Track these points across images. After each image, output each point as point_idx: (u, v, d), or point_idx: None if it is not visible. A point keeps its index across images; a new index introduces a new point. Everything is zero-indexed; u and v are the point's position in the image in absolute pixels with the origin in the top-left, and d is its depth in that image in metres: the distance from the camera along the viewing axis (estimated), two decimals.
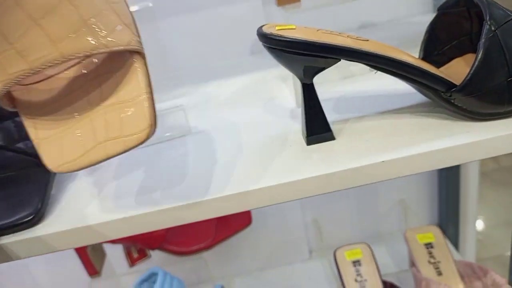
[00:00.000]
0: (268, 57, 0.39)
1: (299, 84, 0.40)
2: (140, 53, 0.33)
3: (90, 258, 0.67)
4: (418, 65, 0.36)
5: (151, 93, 0.32)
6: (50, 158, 0.32)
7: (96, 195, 0.40)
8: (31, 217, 0.35)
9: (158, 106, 0.34)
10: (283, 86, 0.55)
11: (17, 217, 0.34)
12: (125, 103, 0.32)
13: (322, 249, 0.89)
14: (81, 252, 0.66)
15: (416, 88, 0.40)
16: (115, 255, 0.73)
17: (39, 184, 0.37)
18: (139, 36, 0.34)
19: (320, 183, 0.35)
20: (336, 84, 0.52)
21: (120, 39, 0.32)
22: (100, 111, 0.33)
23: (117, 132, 0.31)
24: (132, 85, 0.32)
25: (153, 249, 0.67)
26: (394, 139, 0.37)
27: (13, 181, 0.38)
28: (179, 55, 0.64)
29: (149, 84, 0.32)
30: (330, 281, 0.82)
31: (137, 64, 0.33)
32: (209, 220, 0.73)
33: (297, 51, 0.35)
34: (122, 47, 0.32)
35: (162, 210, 0.36)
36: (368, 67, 0.39)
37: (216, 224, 0.72)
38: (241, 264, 0.85)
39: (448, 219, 0.86)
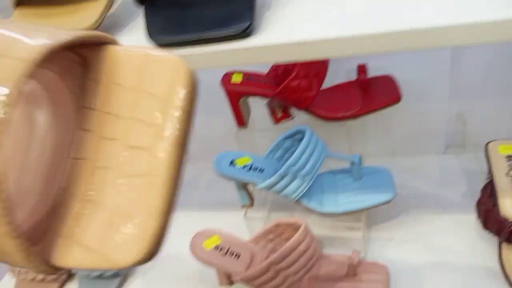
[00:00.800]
0: None
1: None
2: None
3: (241, 109, 0.71)
4: None
5: None
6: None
7: (301, 17, 0.40)
8: (244, 29, 0.36)
9: None
10: None
11: (231, 29, 0.36)
12: None
13: (461, 145, 0.85)
14: (234, 102, 0.70)
15: None
16: (260, 112, 0.77)
17: (246, 2, 0.38)
18: None
19: None
20: None
21: None
22: None
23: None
24: None
25: (300, 109, 0.69)
26: None
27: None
28: None
29: None
30: (464, 176, 0.79)
31: None
32: (356, 90, 0.72)
33: None
34: None
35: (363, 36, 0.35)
36: None
37: (363, 95, 0.71)
38: (375, 144, 0.85)
39: None
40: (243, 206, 0.74)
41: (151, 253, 0.21)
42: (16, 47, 0.21)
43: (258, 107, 0.76)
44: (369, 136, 0.84)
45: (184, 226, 0.86)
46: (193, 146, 0.97)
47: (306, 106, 0.68)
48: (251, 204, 0.74)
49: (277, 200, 0.81)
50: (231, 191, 0.90)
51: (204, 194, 0.92)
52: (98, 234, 0.22)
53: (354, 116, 0.69)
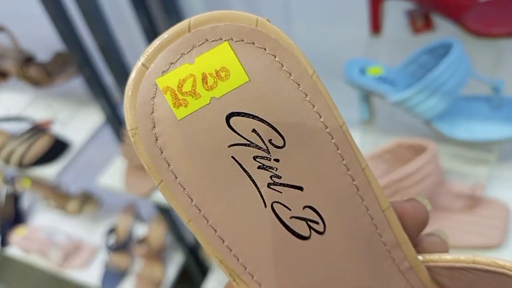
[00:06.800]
0: None
1: None
2: None
3: (379, 12, 0.64)
4: None
5: None
6: None
7: None
8: None
9: None
10: None
11: None
12: None
13: None
14: (375, 3, 0.63)
15: None
16: (395, 18, 0.69)
17: None
18: None
19: None
20: None
21: None
22: None
23: None
24: None
25: (449, 18, 0.61)
26: None
27: None
28: None
29: None
30: None
31: None
32: None
33: None
34: None
35: None
36: None
37: None
38: None
39: None
40: (362, 121, 0.70)
41: None
42: None
43: (392, 14, 0.69)
44: None
45: None
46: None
47: (457, 16, 0.60)
48: (370, 120, 0.70)
49: (398, 119, 0.76)
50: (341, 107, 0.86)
51: None
52: None
53: (509, 35, 0.60)
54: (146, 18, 0.95)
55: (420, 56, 0.64)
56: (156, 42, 0.14)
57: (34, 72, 0.90)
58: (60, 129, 0.97)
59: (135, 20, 0.96)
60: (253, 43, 0.14)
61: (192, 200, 0.15)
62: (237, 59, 0.14)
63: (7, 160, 0.88)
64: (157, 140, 0.14)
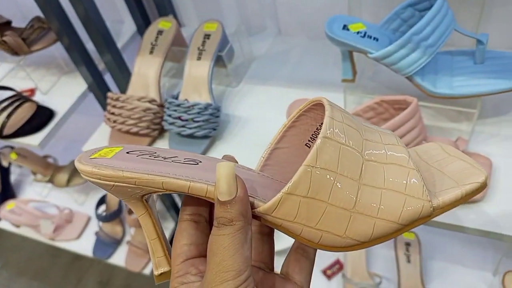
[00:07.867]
0: None
1: None
2: None
3: None
4: None
5: None
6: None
7: None
8: None
9: None
10: None
11: None
12: None
13: None
14: None
15: None
16: None
17: None
18: None
19: None
20: None
21: None
22: None
23: None
24: None
25: None
26: None
27: None
28: None
29: None
30: None
31: None
32: None
33: None
34: None
35: None
36: None
37: None
38: (509, 31, 0.75)
39: None
40: (344, 80, 0.70)
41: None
42: None
43: None
44: (506, 17, 0.72)
45: (275, 99, 0.84)
46: (287, 19, 0.92)
47: None
48: (353, 79, 0.69)
49: (380, 79, 0.76)
50: (322, 69, 0.85)
51: (293, 71, 0.88)
52: None
53: None
54: None
55: (404, 10, 0.63)
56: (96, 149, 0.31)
57: (9, 38, 0.87)
58: (41, 99, 0.96)
59: None
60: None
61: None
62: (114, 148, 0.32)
63: None
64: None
